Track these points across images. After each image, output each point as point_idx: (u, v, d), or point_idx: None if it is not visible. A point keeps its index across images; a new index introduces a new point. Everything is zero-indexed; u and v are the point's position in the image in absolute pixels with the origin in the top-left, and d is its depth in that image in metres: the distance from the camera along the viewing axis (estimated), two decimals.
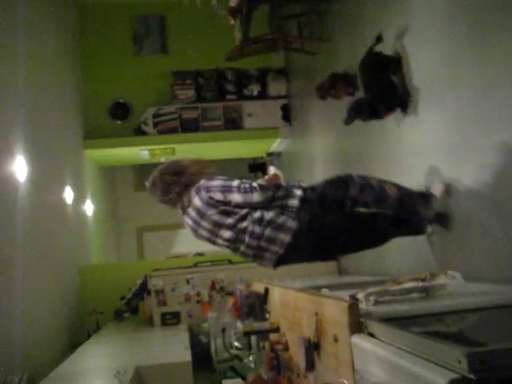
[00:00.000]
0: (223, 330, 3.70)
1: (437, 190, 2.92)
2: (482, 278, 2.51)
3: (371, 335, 1.66)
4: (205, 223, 2.67)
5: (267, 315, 3.35)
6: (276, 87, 7.01)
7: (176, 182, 2.77)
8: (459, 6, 2.72)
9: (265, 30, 5.20)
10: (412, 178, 3.19)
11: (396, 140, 3.59)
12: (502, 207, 2.46)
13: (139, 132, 7.03)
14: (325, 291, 2.41)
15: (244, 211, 2.62)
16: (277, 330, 2.96)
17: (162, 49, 7.46)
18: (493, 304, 1.77)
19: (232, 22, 5.08)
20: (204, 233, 2.72)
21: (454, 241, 2.90)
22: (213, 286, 5.01)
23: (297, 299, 2.53)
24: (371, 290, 2.02)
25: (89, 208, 6.85)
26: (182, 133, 6.99)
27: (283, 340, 2.78)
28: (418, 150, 3.28)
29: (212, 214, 2.64)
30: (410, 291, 2.06)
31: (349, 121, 3.69)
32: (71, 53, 6.81)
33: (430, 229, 3.08)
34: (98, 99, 7.20)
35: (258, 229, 2.58)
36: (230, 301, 4.16)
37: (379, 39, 3.63)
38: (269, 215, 2.59)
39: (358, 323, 1.74)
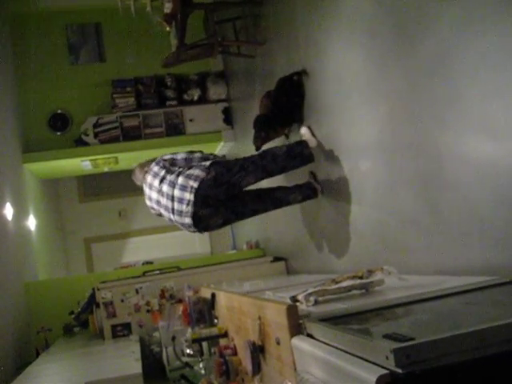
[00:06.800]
0: (173, 338, 3.69)
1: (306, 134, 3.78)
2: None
3: (310, 336, 1.68)
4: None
5: (216, 320, 3.36)
6: (216, 91, 7.01)
7: None
8: (385, 8, 2.79)
9: (201, 35, 5.21)
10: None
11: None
12: (437, 204, 2.54)
13: (80, 143, 6.91)
14: (268, 294, 2.44)
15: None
16: (225, 335, 2.97)
17: (100, 57, 7.36)
18: (428, 296, 1.80)
19: (168, 28, 5.06)
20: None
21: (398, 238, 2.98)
22: (162, 295, 4.96)
23: (241, 303, 2.54)
24: (311, 290, 2.05)
25: (32, 223, 6.68)
26: (124, 141, 6.91)
27: (231, 345, 2.80)
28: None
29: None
30: (349, 289, 2.10)
31: (258, 142, 3.87)
32: (5, 65, 6.62)
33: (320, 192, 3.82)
34: (36, 111, 7.04)
35: (172, 177, 3.39)
36: (180, 308, 4.14)
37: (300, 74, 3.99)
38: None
39: (297, 325, 1.75)
